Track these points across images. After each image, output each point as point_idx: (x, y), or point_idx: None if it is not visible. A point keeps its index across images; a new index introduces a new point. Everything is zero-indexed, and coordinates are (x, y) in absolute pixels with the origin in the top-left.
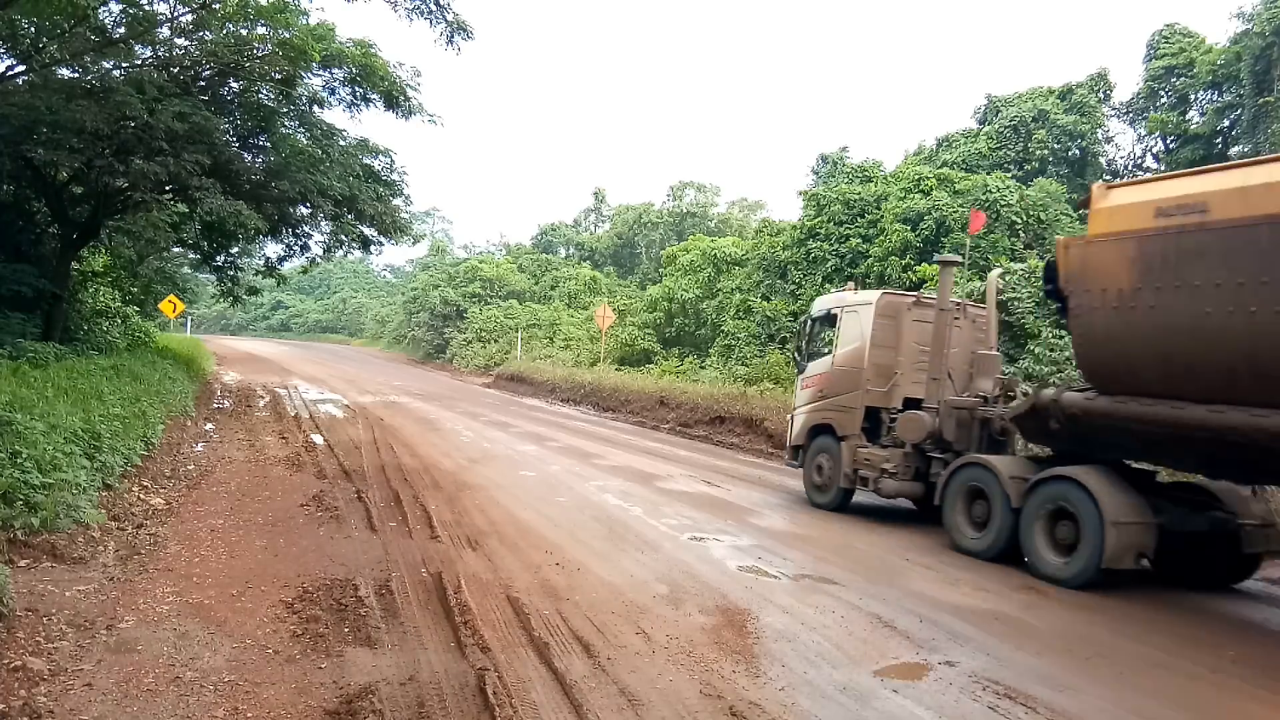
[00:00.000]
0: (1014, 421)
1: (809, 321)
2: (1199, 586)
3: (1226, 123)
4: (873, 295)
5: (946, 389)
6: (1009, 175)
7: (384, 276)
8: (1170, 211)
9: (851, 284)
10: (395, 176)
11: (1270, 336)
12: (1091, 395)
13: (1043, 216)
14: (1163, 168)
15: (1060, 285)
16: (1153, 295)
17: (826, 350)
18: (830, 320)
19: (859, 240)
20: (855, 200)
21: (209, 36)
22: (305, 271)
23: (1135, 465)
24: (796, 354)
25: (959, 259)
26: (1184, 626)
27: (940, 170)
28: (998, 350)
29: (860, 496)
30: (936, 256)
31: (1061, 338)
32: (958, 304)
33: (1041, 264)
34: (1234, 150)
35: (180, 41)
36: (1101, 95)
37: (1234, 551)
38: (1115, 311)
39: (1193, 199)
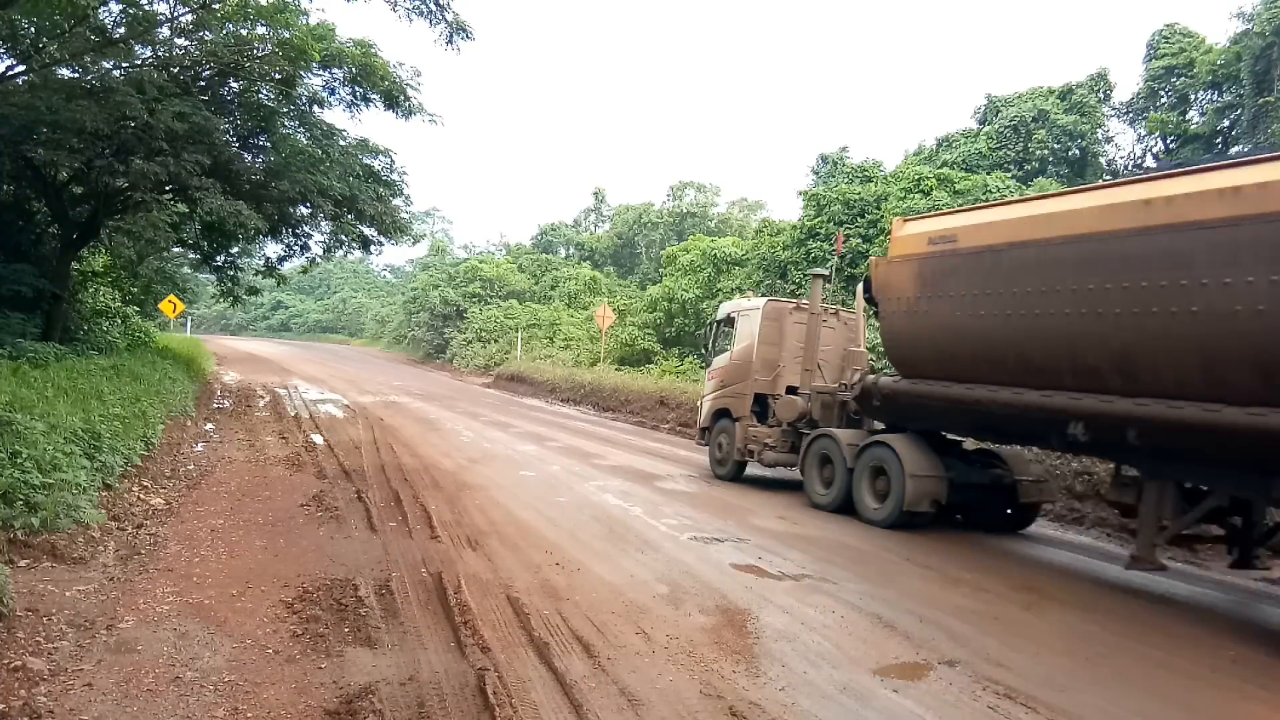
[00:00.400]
0: (854, 401)
1: (713, 324)
2: (993, 530)
3: (1226, 123)
4: (760, 302)
5: (817, 378)
6: (1009, 175)
7: (384, 276)
8: (936, 240)
9: (750, 291)
10: (395, 176)
11: (993, 333)
12: (897, 379)
13: None
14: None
15: (873, 294)
16: (927, 303)
17: (726, 347)
18: (730, 322)
19: (859, 240)
20: (855, 200)
21: (209, 36)
22: (305, 271)
23: (948, 435)
24: (704, 350)
25: (825, 273)
26: (1184, 626)
27: (940, 170)
28: (864, 348)
29: (750, 469)
30: (810, 270)
31: None
32: (829, 309)
33: None
34: (1234, 150)
35: (180, 41)
36: (1101, 95)
37: (1013, 501)
38: (906, 315)
39: (948, 231)
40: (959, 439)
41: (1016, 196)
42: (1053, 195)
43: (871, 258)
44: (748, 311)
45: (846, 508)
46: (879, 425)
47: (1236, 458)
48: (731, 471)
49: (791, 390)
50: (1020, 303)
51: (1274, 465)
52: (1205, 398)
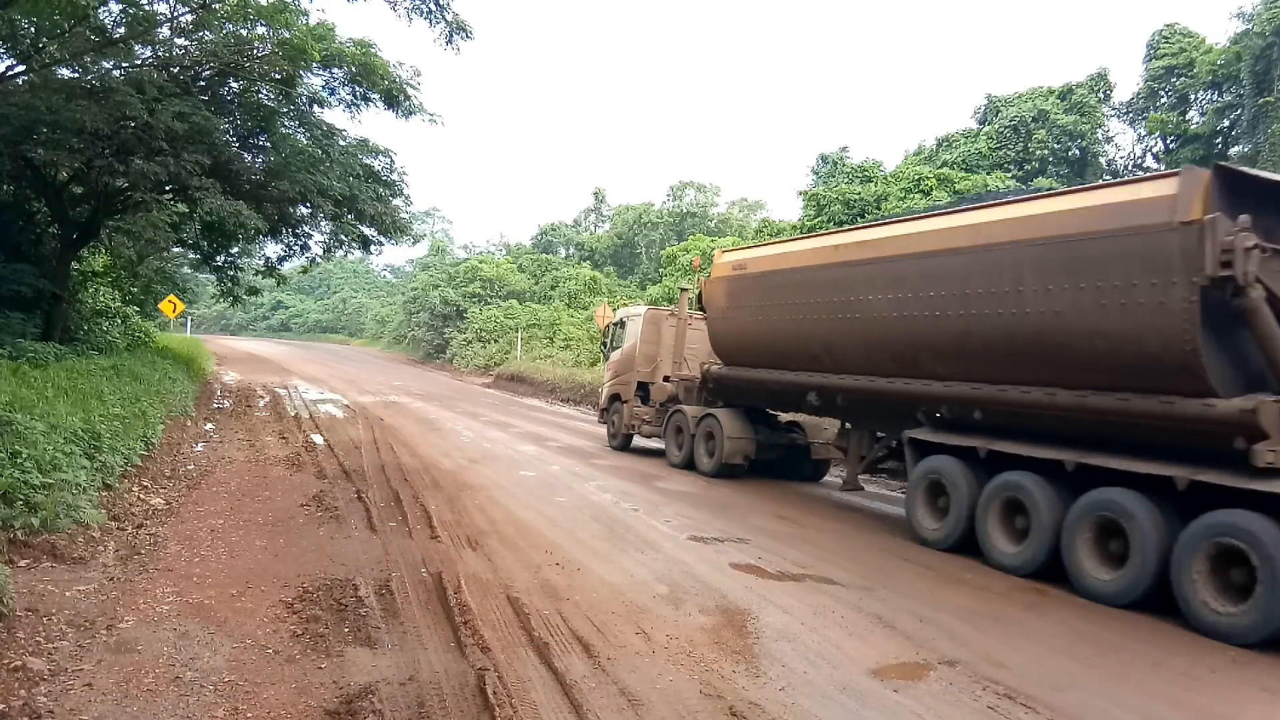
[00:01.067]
0: (700, 385)
1: (612, 325)
2: (795, 478)
3: (1226, 123)
4: (643, 309)
5: (683, 369)
6: (1009, 175)
7: (384, 276)
8: (736, 266)
9: (642, 303)
10: (395, 177)
11: (766, 332)
12: (721, 367)
13: None
14: (1162, 167)
15: (703, 304)
16: (732, 311)
17: (620, 345)
18: (622, 325)
19: None
20: (855, 200)
21: (209, 36)
22: (305, 271)
23: (767, 409)
24: (603, 347)
25: (689, 287)
26: (1184, 627)
27: (940, 170)
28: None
29: (638, 442)
30: (682, 284)
31: None
32: (694, 315)
33: None
34: (1234, 150)
35: (180, 41)
36: (1101, 95)
37: (808, 459)
38: (721, 320)
39: (741, 261)
40: (775, 411)
41: (788, 236)
42: (793, 240)
43: (700, 278)
44: (634, 316)
45: (690, 464)
46: (719, 402)
47: (891, 412)
48: (621, 443)
49: (666, 379)
50: (778, 310)
51: (906, 416)
52: (870, 373)
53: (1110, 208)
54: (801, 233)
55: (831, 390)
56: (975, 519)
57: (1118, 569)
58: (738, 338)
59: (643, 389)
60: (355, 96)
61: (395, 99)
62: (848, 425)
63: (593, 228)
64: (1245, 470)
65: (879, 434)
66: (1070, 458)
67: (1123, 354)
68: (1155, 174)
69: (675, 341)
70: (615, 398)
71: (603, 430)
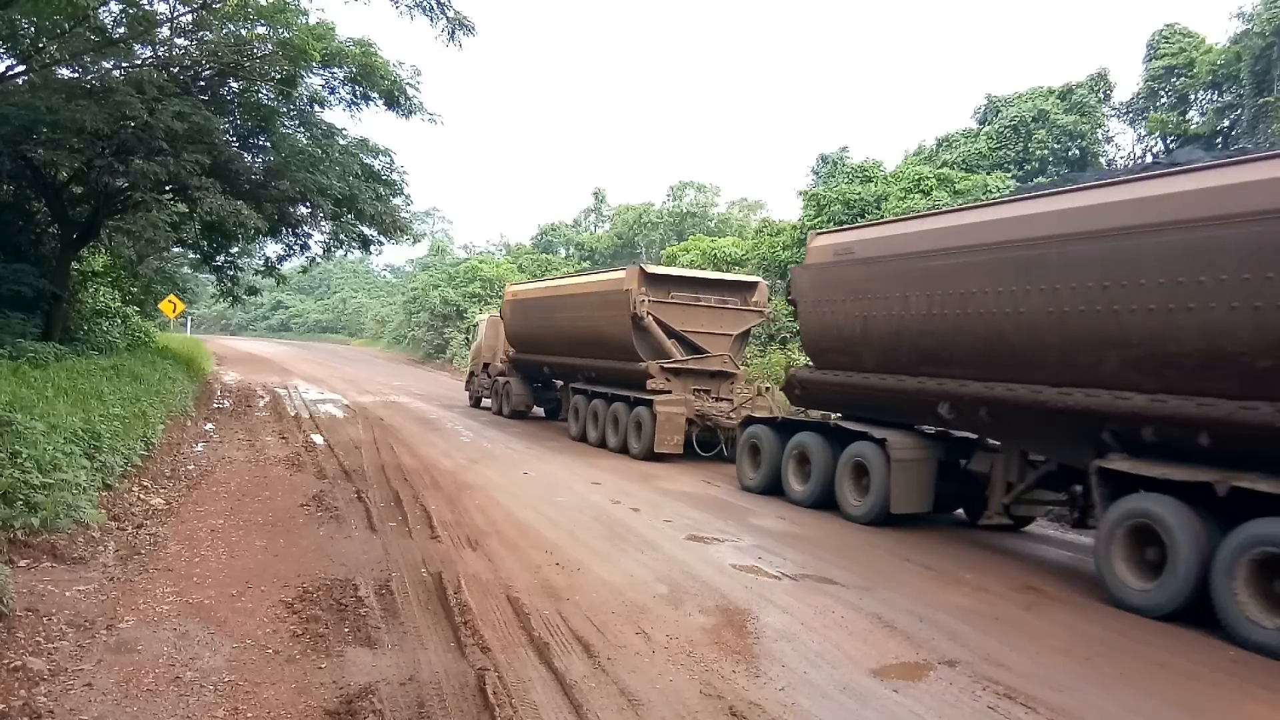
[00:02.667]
0: (507, 369)
1: (471, 327)
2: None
3: (1226, 123)
4: (486, 316)
5: (498, 356)
6: (1009, 175)
7: (384, 276)
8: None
9: (487, 312)
10: (395, 176)
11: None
12: (515, 353)
13: None
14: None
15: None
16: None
17: (475, 340)
18: (476, 327)
19: None
20: (855, 200)
21: (209, 36)
22: (305, 271)
23: (553, 378)
24: (467, 338)
25: (484, 315)
26: (1184, 627)
27: (940, 170)
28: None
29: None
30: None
31: None
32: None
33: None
34: (1234, 149)
35: (180, 41)
36: (1101, 95)
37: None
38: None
39: (518, 291)
40: (554, 380)
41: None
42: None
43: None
44: (481, 321)
45: (499, 412)
46: (518, 374)
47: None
48: (473, 403)
49: (501, 361)
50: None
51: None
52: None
53: (607, 281)
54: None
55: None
56: (584, 422)
57: (618, 435)
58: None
59: (485, 369)
60: (355, 96)
61: (395, 99)
62: (993, 443)
63: (593, 228)
64: (646, 391)
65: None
66: (607, 390)
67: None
68: (617, 268)
69: (500, 339)
70: (472, 374)
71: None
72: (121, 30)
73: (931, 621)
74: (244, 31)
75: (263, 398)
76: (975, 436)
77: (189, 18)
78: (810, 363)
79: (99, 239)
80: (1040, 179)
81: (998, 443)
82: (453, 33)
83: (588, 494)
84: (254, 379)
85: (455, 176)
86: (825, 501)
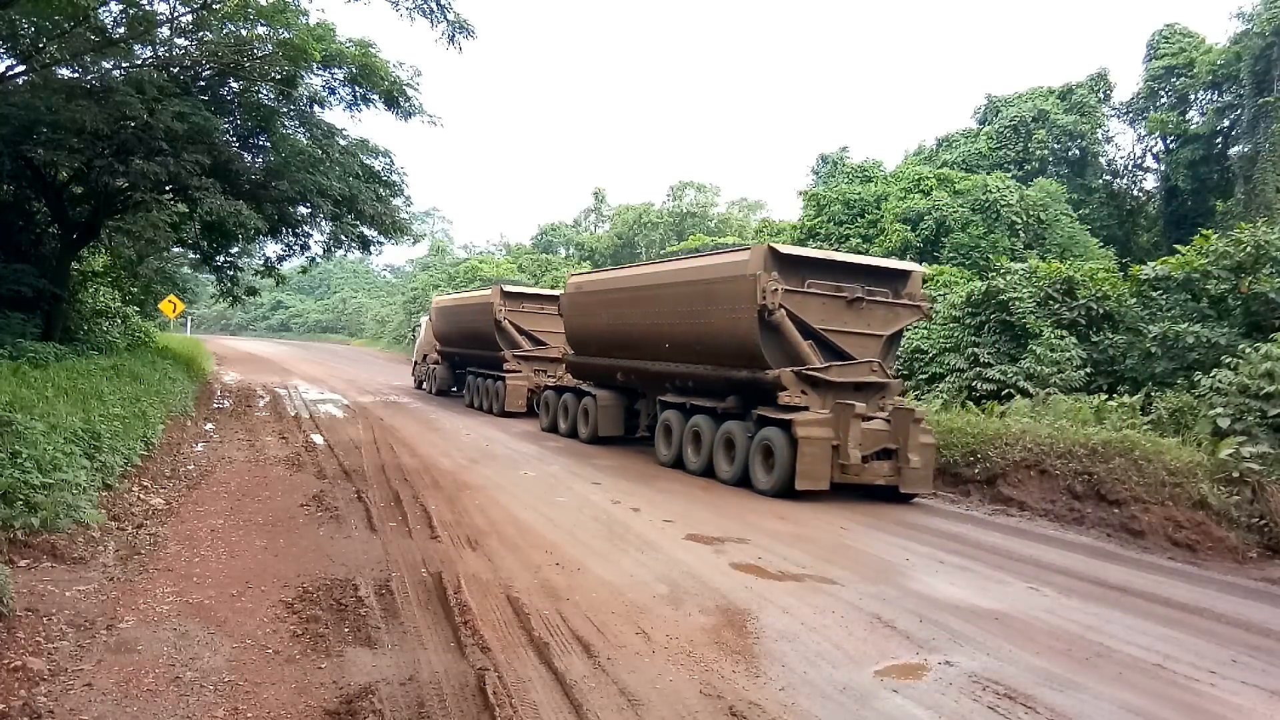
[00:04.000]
0: (436, 360)
1: (415, 326)
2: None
3: (1226, 123)
4: (425, 319)
5: (432, 350)
6: (1009, 175)
7: (384, 276)
8: (579, 286)
9: (425, 314)
10: (395, 177)
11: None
12: (438, 346)
13: (1043, 216)
14: (1163, 168)
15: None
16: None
17: (419, 335)
18: (419, 327)
19: (859, 240)
20: (855, 200)
21: (209, 36)
22: (305, 271)
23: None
24: (413, 332)
25: (426, 317)
26: (1184, 627)
27: (940, 170)
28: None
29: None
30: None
31: (1063, 338)
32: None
33: (1040, 263)
34: (1233, 150)
35: (180, 41)
36: (1101, 95)
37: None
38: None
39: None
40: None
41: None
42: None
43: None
44: (423, 321)
45: (430, 392)
46: (446, 364)
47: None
48: (416, 385)
49: (432, 354)
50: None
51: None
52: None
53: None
54: (737, 244)
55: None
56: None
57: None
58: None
59: (424, 359)
60: (355, 97)
61: (395, 99)
62: (620, 396)
63: (593, 228)
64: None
65: (642, 396)
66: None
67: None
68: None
69: (433, 335)
70: (415, 364)
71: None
72: (121, 30)
73: (931, 621)
74: (244, 31)
75: (263, 398)
76: (635, 390)
77: (189, 18)
78: (571, 350)
79: (99, 239)
80: (1040, 179)
81: (643, 394)
82: (453, 36)
83: (587, 494)
84: (254, 379)
85: (455, 176)
86: (572, 432)
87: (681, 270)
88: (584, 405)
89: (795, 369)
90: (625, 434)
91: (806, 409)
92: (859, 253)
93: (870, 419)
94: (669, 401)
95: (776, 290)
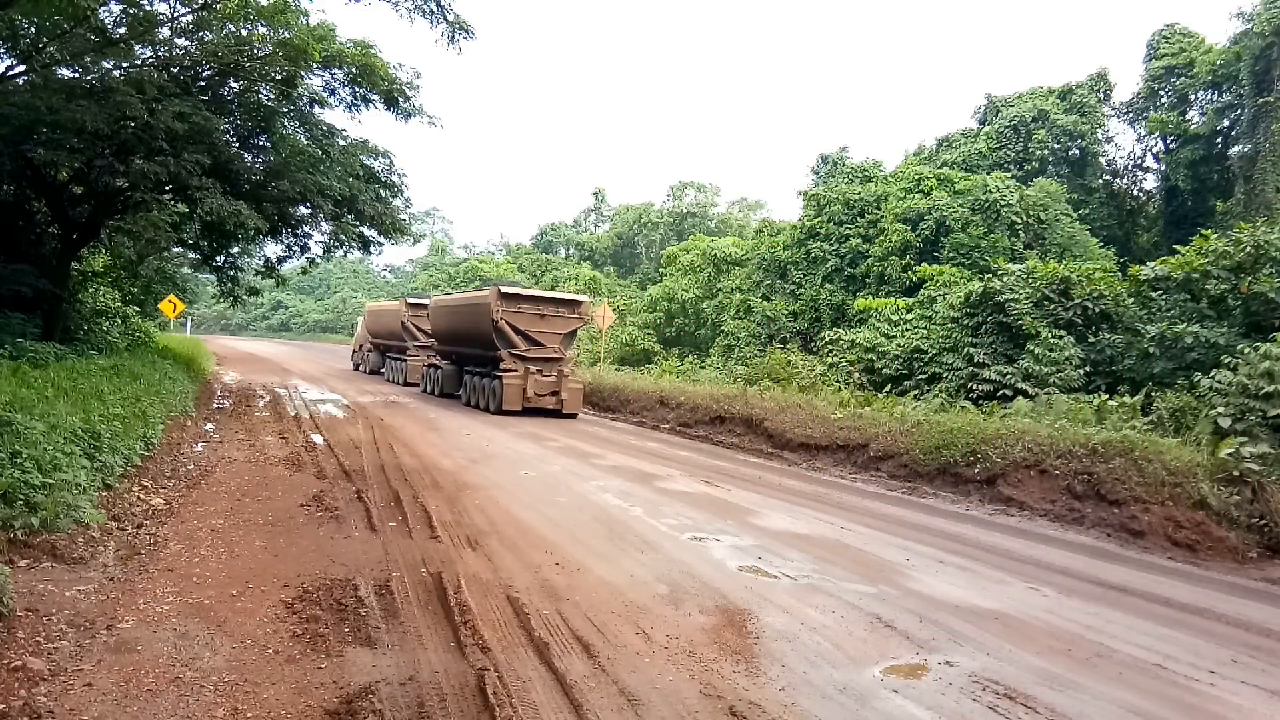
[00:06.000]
0: (371, 343)
1: (356, 322)
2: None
3: (1226, 123)
4: (361, 319)
5: (366, 341)
6: (1009, 175)
7: (384, 276)
8: (438, 304)
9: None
10: (395, 178)
11: (444, 333)
12: (371, 338)
13: (1042, 216)
14: (1163, 168)
15: (429, 316)
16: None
17: (357, 328)
18: (358, 323)
19: (859, 240)
20: (855, 200)
21: (209, 36)
22: (305, 272)
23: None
24: (355, 326)
25: (361, 318)
26: (1184, 627)
27: (940, 170)
28: (366, 332)
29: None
30: (413, 298)
31: (1060, 338)
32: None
33: (1037, 263)
34: (1233, 150)
35: (180, 41)
36: (1101, 95)
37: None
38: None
39: (439, 301)
40: (447, 360)
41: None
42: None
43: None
44: (360, 318)
45: (366, 372)
46: (377, 350)
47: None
48: (353, 369)
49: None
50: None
51: (476, 362)
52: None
53: (474, 297)
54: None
55: (447, 352)
56: (469, 392)
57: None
58: (439, 331)
59: (360, 347)
60: (355, 97)
61: (395, 100)
62: (452, 364)
63: (593, 228)
64: (501, 362)
65: (450, 364)
66: (482, 369)
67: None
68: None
69: (371, 329)
70: (353, 352)
71: (595, 421)
72: (121, 30)
73: (931, 621)
74: (244, 31)
75: (263, 397)
76: (459, 363)
77: (189, 18)
78: (436, 341)
79: (99, 239)
80: (1040, 179)
81: (461, 366)
82: (452, 37)
83: (588, 494)
84: (254, 379)
85: (455, 176)
86: (432, 391)
87: (468, 299)
88: (439, 374)
89: (509, 350)
90: (455, 392)
91: (514, 370)
92: (858, 253)
93: (544, 376)
94: (469, 369)
95: (500, 311)
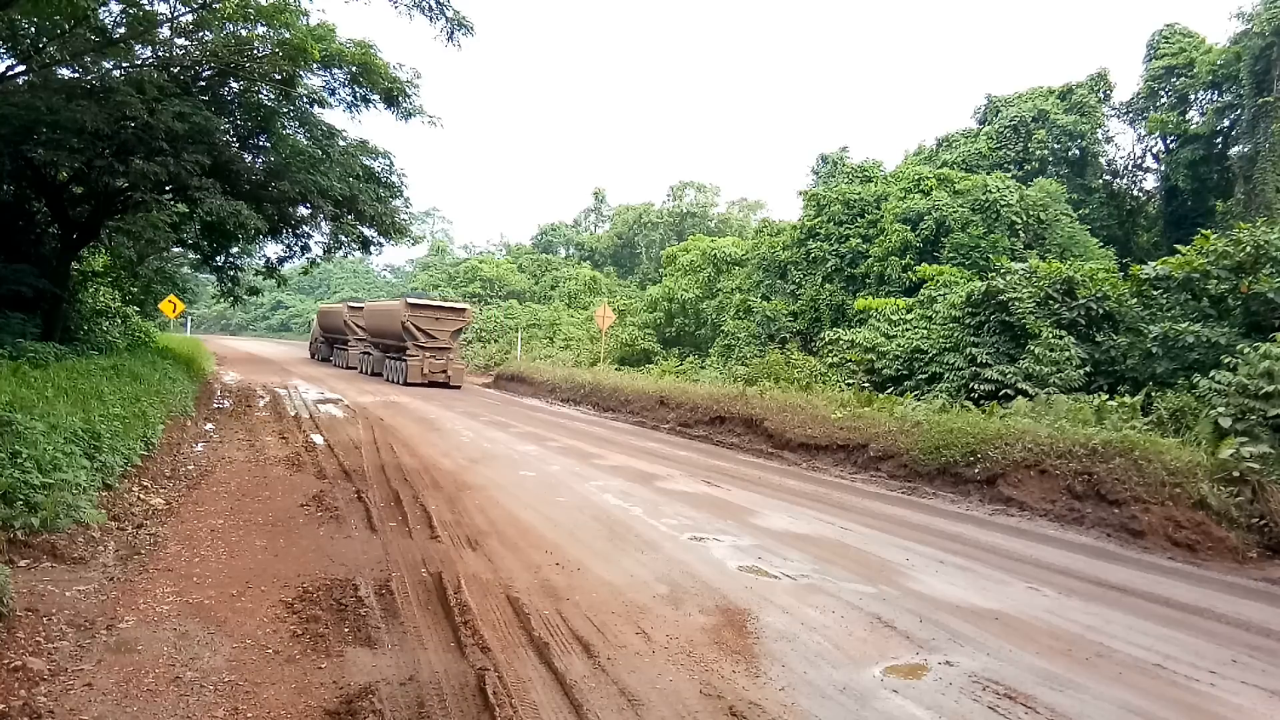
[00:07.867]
0: (323, 335)
1: (310, 320)
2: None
3: (1226, 123)
4: (315, 317)
5: (320, 334)
6: (1009, 175)
7: (384, 276)
8: (362, 309)
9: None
10: (395, 178)
11: (370, 328)
12: (323, 333)
13: (1043, 216)
14: (1163, 168)
15: (362, 318)
16: (367, 321)
17: (313, 323)
18: (313, 320)
19: (859, 240)
20: (855, 200)
21: (209, 36)
22: (305, 272)
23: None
24: (312, 323)
25: (314, 318)
26: (1184, 626)
27: (940, 170)
28: (320, 326)
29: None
30: (364, 300)
31: (1061, 338)
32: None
33: (1040, 263)
34: (1233, 150)
35: (180, 41)
36: (1101, 95)
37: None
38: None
39: (363, 308)
40: (372, 348)
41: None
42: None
43: (402, 303)
44: (313, 318)
45: (319, 359)
46: (331, 343)
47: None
48: (309, 356)
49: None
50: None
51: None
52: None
53: (392, 305)
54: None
55: (373, 342)
56: (386, 368)
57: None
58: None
59: (315, 340)
60: (355, 97)
61: (395, 100)
62: (379, 351)
63: (593, 228)
64: (407, 350)
65: (378, 351)
66: (395, 354)
67: (394, 333)
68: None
69: (322, 325)
70: (310, 344)
71: (595, 421)
72: (121, 30)
73: (931, 621)
74: (244, 32)
75: (263, 398)
76: (381, 349)
77: (189, 18)
78: (365, 335)
79: (99, 239)
80: (1040, 179)
81: (383, 351)
82: (451, 33)
83: (588, 494)
84: (254, 379)
85: (455, 176)
86: (363, 370)
87: (387, 307)
88: (370, 358)
89: (414, 342)
90: (379, 371)
91: (416, 355)
92: (858, 253)
93: (436, 360)
94: (389, 355)
95: (408, 316)
